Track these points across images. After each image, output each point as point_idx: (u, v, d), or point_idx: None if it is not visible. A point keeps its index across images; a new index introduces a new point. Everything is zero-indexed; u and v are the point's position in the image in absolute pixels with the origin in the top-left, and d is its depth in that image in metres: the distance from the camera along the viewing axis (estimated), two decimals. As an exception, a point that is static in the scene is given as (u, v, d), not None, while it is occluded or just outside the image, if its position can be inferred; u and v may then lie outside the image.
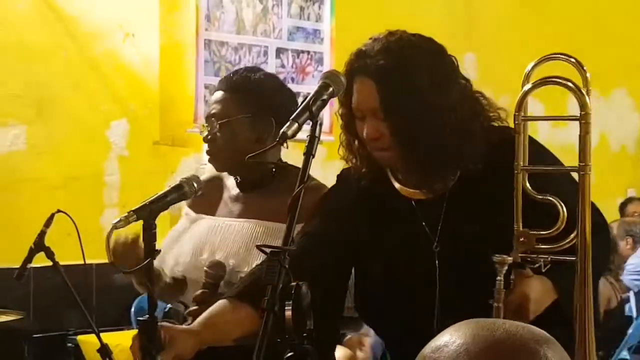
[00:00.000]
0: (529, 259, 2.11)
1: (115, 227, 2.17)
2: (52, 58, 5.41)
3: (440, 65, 2.25)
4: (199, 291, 2.57)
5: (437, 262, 2.26)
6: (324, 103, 2.03)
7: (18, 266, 3.38)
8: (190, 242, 2.75)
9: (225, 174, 2.83)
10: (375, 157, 2.28)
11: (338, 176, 2.48)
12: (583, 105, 2.12)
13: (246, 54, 5.98)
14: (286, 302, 1.86)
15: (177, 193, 2.27)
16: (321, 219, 2.43)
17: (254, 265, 2.56)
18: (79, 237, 3.28)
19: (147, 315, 2.11)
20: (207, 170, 3.00)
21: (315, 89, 2.06)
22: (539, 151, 2.26)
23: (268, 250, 1.89)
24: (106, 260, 2.43)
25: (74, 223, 3.25)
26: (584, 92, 2.12)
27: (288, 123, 1.97)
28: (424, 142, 2.19)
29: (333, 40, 6.36)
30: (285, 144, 1.98)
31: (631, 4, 8.01)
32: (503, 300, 2.07)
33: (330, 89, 2.06)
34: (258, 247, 1.92)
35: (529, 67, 2.22)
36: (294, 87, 6.19)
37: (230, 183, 2.83)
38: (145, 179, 5.67)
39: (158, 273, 2.66)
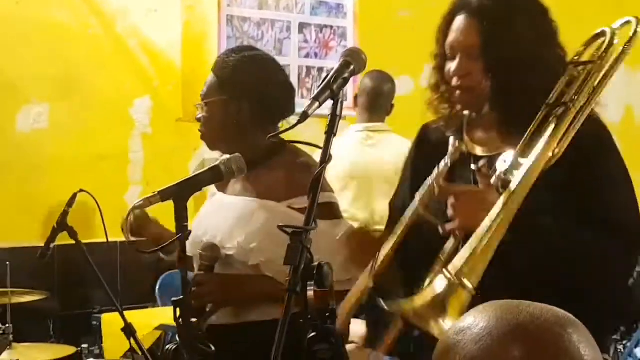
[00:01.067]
0: None
1: (136, 207, 2.17)
2: (76, 36, 5.41)
3: (544, 22, 2.25)
4: (196, 273, 2.61)
5: None
6: (345, 81, 2.02)
7: (42, 245, 3.39)
8: (197, 221, 2.82)
9: None
10: (455, 99, 2.27)
11: (419, 130, 2.51)
12: None
13: (269, 30, 5.96)
14: (308, 282, 1.86)
15: (212, 174, 2.27)
16: (405, 172, 2.51)
17: (238, 241, 2.62)
18: (102, 216, 3.28)
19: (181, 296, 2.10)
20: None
21: (336, 66, 2.04)
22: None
23: (289, 230, 1.88)
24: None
25: (97, 202, 3.25)
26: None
27: (309, 102, 1.96)
28: (516, 84, 2.18)
29: (356, 14, 6.32)
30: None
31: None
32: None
33: (352, 67, 2.05)
34: (279, 227, 1.90)
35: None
36: (317, 63, 6.24)
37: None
38: (168, 156, 5.69)
39: None
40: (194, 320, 2.03)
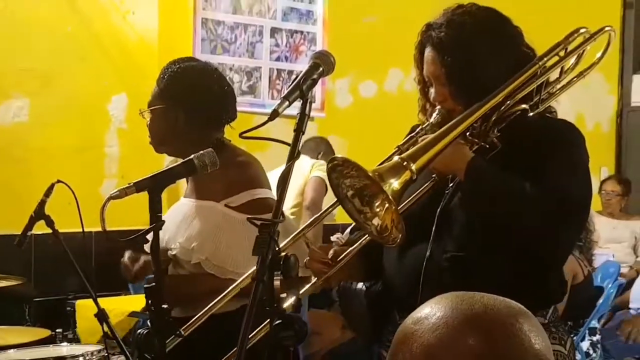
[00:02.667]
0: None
1: (112, 197, 2.15)
2: (56, 33, 5.37)
3: (497, 37, 2.28)
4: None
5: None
6: (314, 82, 2.02)
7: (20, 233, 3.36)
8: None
9: None
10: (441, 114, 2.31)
11: (410, 130, 2.47)
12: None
13: (242, 33, 5.94)
14: (275, 273, 1.85)
15: (186, 168, 2.26)
16: None
17: (179, 242, 2.68)
18: (78, 207, 3.24)
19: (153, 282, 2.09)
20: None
21: (306, 68, 2.04)
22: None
23: (258, 222, 1.87)
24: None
25: (73, 193, 3.21)
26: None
27: (279, 101, 1.96)
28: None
29: (325, 21, 6.32)
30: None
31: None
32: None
33: (320, 69, 2.05)
34: (249, 219, 1.90)
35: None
36: (287, 66, 6.23)
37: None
38: (143, 151, 5.58)
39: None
40: (165, 306, 2.01)
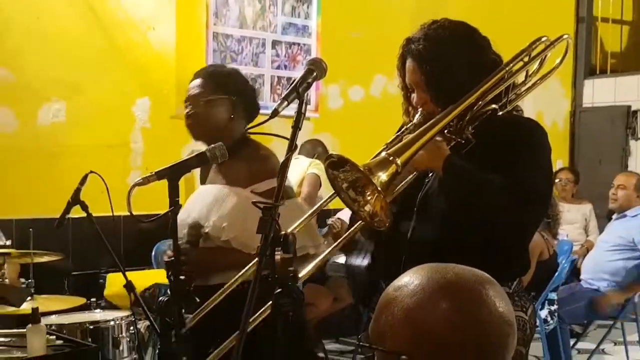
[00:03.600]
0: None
1: (137, 184, 2.14)
2: (88, 46, 5.37)
3: (468, 46, 2.28)
4: (183, 247, 2.62)
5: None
6: (309, 85, 2.01)
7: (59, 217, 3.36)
8: (186, 206, 2.79)
9: None
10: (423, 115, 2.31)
11: (399, 129, 2.47)
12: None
13: (247, 45, 5.93)
14: (276, 249, 1.85)
15: (198, 159, 2.25)
16: None
17: (212, 220, 2.64)
18: (108, 193, 3.23)
19: (172, 257, 2.08)
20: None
21: (302, 73, 2.03)
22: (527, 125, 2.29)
23: (262, 205, 1.86)
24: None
25: (104, 180, 3.20)
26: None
27: (279, 101, 1.95)
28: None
29: (319, 34, 6.32)
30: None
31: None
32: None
33: (314, 74, 2.04)
34: (254, 203, 1.89)
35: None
36: (286, 73, 6.23)
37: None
38: (164, 147, 5.65)
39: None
40: (182, 277, 2.01)
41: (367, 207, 2.05)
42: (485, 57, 2.29)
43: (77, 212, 3.46)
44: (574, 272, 5.94)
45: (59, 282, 4.96)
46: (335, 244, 2.23)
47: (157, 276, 4.43)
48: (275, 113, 1.93)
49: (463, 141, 2.21)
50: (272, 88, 6.05)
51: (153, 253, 5.17)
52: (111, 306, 4.77)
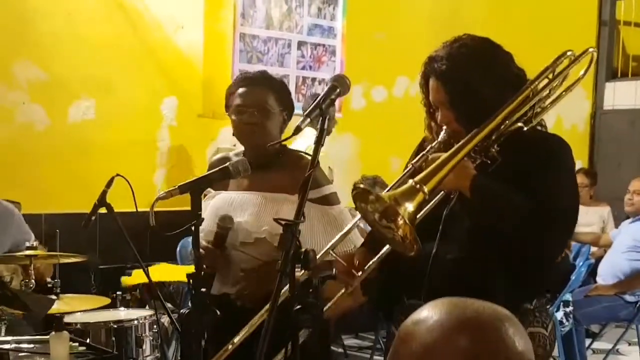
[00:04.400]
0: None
1: (160, 198, 2.11)
2: (117, 45, 5.36)
3: (491, 64, 2.21)
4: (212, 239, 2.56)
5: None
6: (332, 102, 1.98)
7: (89, 211, 3.35)
8: (211, 212, 2.68)
9: (231, 154, 2.76)
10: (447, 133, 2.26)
11: (420, 142, 2.43)
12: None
13: (273, 46, 5.90)
14: (296, 265, 1.82)
15: (221, 173, 2.21)
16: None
17: (263, 228, 2.54)
18: (133, 195, 3.22)
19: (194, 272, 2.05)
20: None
21: (326, 89, 2.00)
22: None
23: (283, 222, 1.83)
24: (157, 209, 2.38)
25: (129, 183, 3.20)
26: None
27: (302, 118, 1.92)
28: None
29: (344, 36, 6.26)
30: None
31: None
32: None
33: (338, 90, 2.01)
34: (275, 219, 1.86)
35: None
36: (311, 74, 6.19)
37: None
38: (190, 144, 5.66)
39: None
40: (203, 289, 1.98)
41: (400, 232, 2.00)
42: (509, 73, 2.23)
43: (105, 208, 3.46)
44: (591, 274, 5.87)
45: (86, 276, 4.97)
46: (364, 272, 2.17)
47: (181, 272, 4.43)
48: (298, 130, 1.90)
49: (489, 161, 2.16)
50: (297, 88, 6.01)
51: (178, 249, 5.16)
52: (135, 299, 4.79)
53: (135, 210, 3.35)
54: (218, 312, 2.03)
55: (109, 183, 3.22)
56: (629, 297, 5.26)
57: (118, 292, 4.81)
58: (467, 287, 2.18)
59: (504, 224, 2.10)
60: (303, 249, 1.83)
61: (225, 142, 5.73)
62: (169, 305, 5.00)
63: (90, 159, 5.23)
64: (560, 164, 2.18)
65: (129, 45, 5.40)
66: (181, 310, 1.98)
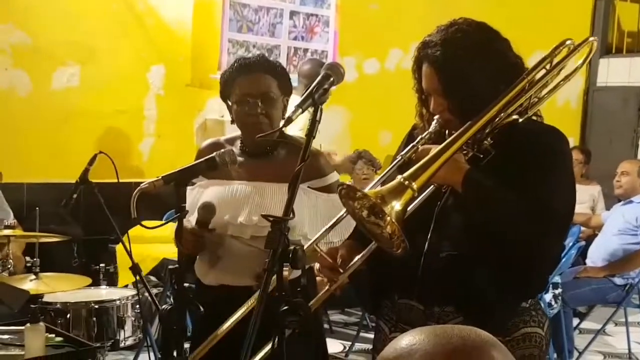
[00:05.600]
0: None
1: (142, 190, 2.01)
2: (104, 11, 5.22)
3: (488, 52, 2.08)
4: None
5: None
6: (325, 92, 1.87)
7: (73, 181, 3.25)
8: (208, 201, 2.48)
9: (222, 140, 2.60)
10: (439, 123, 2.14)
11: (409, 130, 2.33)
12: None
13: (264, 15, 5.75)
14: (284, 264, 1.73)
15: (207, 164, 2.09)
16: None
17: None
18: (116, 171, 3.13)
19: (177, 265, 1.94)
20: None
21: (318, 78, 1.89)
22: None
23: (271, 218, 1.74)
24: (143, 179, 2.26)
25: (112, 161, 3.11)
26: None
27: (293, 109, 1.82)
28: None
29: (338, 6, 6.11)
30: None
31: None
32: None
33: (331, 79, 1.90)
34: (263, 216, 1.77)
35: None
36: (303, 44, 6.06)
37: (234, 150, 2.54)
38: (177, 114, 5.56)
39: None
40: (186, 284, 1.89)
41: (388, 229, 1.91)
42: (506, 62, 2.12)
43: (90, 177, 3.36)
44: (580, 255, 5.83)
45: (68, 249, 4.88)
46: (346, 272, 2.08)
47: (166, 250, 4.34)
48: (289, 121, 1.80)
49: (481, 155, 2.07)
50: (288, 59, 5.88)
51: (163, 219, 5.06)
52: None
53: (117, 180, 3.29)
54: (202, 308, 1.94)
55: (92, 161, 3.13)
56: (618, 280, 5.22)
57: (101, 265, 4.76)
58: (460, 285, 2.12)
59: (497, 221, 2.00)
60: (292, 247, 1.74)
61: (213, 112, 5.64)
62: (153, 278, 4.95)
63: (74, 128, 5.12)
64: (559, 161, 2.08)
65: (115, 11, 5.26)
66: (162, 307, 1.89)
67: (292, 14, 5.90)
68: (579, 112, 8.10)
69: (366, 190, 1.90)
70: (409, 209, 1.91)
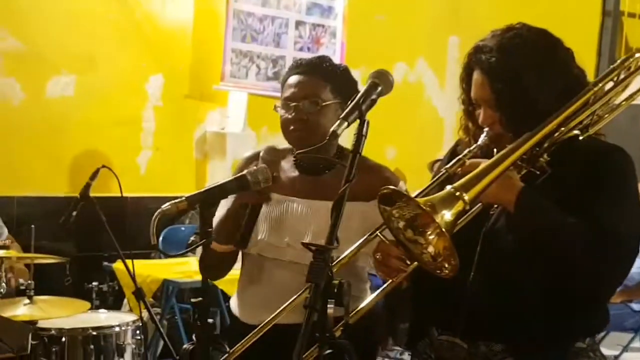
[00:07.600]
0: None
1: (163, 212, 1.77)
2: (101, 18, 5.04)
3: (549, 62, 1.88)
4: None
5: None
6: (373, 102, 1.67)
7: (65, 195, 3.04)
8: (266, 222, 2.20)
9: (281, 147, 2.31)
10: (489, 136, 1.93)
11: (453, 145, 2.14)
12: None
13: (269, 25, 5.57)
14: (328, 300, 1.51)
15: (238, 184, 1.85)
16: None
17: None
18: (119, 184, 2.94)
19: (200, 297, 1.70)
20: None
21: (365, 87, 1.68)
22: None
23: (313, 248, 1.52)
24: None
25: (115, 175, 2.95)
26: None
27: (338, 122, 1.60)
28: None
29: (345, 16, 5.94)
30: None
31: None
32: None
33: (379, 88, 1.69)
34: (303, 244, 1.54)
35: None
36: (308, 55, 5.82)
37: (286, 164, 2.28)
38: (176, 126, 5.38)
39: None
40: (210, 320, 1.66)
41: (430, 249, 1.69)
42: (568, 73, 1.91)
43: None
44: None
45: (60, 267, 4.63)
46: (381, 289, 1.86)
47: (167, 270, 4.10)
48: (334, 135, 1.59)
49: (538, 172, 1.86)
50: (292, 71, 5.69)
51: (160, 239, 4.84)
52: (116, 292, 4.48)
53: (120, 195, 3.08)
54: (227, 348, 1.71)
55: (93, 175, 2.92)
56: (635, 306, 5.04)
57: (94, 283, 4.52)
58: (510, 322, 1.90)
59: (555, 247, 1.80)
60: (337, 281, 1.51)
61: (213, 125, 5.44)
62: (151, 300, 4.71)
63: (68, 139, 4.93)
64: (625, 184, 1.87)
65: (114, 18, 5.07)
66: (184, 346, 1.66)
67: (298, 23, 5.72)
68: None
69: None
70: (458, 222, 1.69)
